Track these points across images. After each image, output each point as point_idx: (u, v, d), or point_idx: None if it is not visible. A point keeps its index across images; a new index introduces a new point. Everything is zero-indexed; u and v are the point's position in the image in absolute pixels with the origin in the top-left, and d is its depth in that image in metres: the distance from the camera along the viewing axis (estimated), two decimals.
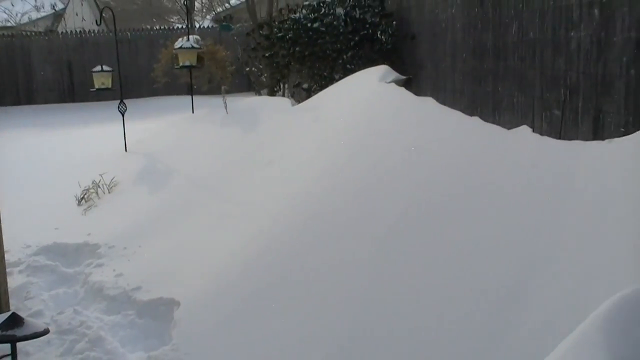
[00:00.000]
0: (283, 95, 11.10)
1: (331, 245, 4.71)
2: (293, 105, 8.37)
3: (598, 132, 4.20)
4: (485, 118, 5.52)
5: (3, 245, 5.22)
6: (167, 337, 4.43)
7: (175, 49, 10.59)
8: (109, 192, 7.66)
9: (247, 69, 13.66)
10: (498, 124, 5.30)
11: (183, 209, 6.58)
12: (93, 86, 9.90)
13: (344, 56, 8.80)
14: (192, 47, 10.29)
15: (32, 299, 5.32)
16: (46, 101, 17.85)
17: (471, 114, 5.68)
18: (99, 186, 7.71)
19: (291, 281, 4.53)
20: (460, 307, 3.57)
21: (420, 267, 4.02)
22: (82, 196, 7.60)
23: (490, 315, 3.40)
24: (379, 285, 4.09)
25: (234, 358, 3.99)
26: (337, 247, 4.65)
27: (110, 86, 9.86)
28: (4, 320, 4.09)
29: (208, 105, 10.27)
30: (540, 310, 3.21)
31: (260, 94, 12.99)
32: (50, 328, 4.38)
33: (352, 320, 3.94)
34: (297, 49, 9.10)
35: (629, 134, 3.77)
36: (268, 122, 7.80)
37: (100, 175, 7.79)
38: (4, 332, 4.00)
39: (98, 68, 9.81)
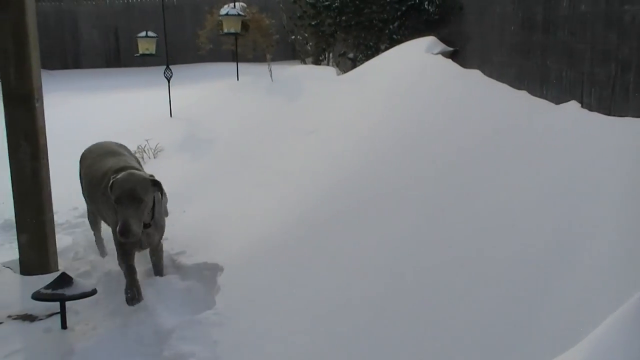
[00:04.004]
0: (328, 64, 11.08)
1: (370, 215, 4.72)
2: (338, 74, 8.36)
3: None
4: (532, 92, 5.46)
5: (52, 207, 5.35)
6: (211, 301, 4.49)
7: (220, 15, 10.61)
8: (154, 157, 7.76)
9: (292, 37, 13.65)
10: (545, 98, 5.24)
11: (225, 176, 6.64)
12: (138, 51, 9.98)
13: (390, 26, 8.75)
14: (238, 15, 10.31)
15: (80, 260, 5.43)
16: (93, 65, 18.04)
17: (518, 88, 5.63)
18: (144, 151, 7.81)
19: (329, 250, 4.55)
20: (502, 277, 3.56)
21: (461, 236, 4.02)
22: None
23: (530, 284, 3.39)
24: (419, 250, 4.09)
25: (272, 324, 4.03)
26: (376, 215, 4.66)
27: (154, 52, 9.94)
28: (54, 280, 4.21)
29: (252, 73, 10.30)
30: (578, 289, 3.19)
31: (305, 63, 12.99)
32: (97, 289, 4.48)
33: (388, 288, 3.94)
34: (343, 18, 9.07)
35: None
36: (312, 91, 7.81)
37: (146, 140, 7.88)
38: (54, 291, 4.11)
39: (143, 34, 9.89)
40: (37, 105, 5.11)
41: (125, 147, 5.86)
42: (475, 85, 5.70)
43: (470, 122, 5.00)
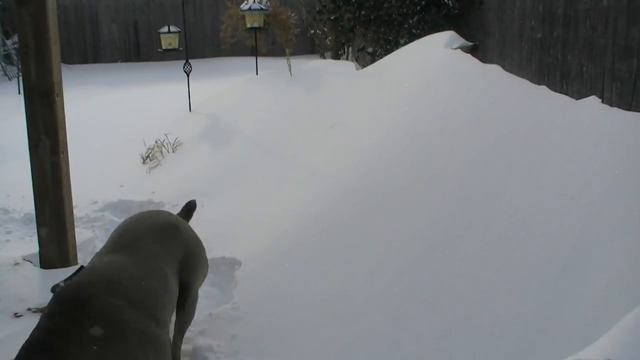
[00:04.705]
0: (347, 58, 11.06)
1: (390, 211, 4.71)
2: (357, 69, 8.35)
3: None
4: (552, 87, 5.42)
5: (72, 200, 5.38)
6: (228, 295, 4.51)
7: (242, 10, 10.62)
8: (172, 152, 7.78)
9: (312, 31, 13.63)
10: (566, 93, 5.20)
11: (244, 170, 6.66)
12: (158, 46, 10.02)
13: (410, 20, 8.71)
14: (261, 9, 10.31)
15: None
16: (112, 60, 18.13)
17: (538, 83, 5.59)
18: (163, 145, 7.84)
19: (350, 246, 4.55)
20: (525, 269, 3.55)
21: (484, 234, 4.00)
22: (146, 155, 7.74)
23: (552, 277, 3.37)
24: (441, 248, 4.08)
25: (290, 319, 4.04)
26: (397, 212, 4.65)
27: (177, 47, 9.98)
28: (74, 273, 4.22)
29: (271, 67, 10.30)
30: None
31: (324, 57, 12.98)
32: None
33: (408, 287, 3.94)
34: (362, 12, 9.04)
35: None
36: (332, 86, 7.80)
37: (165, 134, 7.91)
38: None
39: (165, 29, 9.92)
40: (57, 99, 5.13)
41: (175, 226, 3.68)
42: (495, 80, 5.66)
43: (492, 117, 4.97)
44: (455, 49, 6.83)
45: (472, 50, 7.32)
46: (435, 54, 6.77)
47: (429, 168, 4.93)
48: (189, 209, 4.21)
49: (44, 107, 5.10)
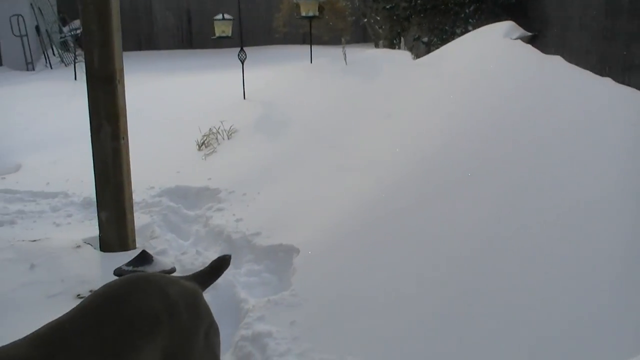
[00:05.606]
0: (400, 48, 11.00)
1: (447, 199, 4.69)
2: (413, 59, 8.30)
3: None
4: (614, 79, 5.33)
5: (132, 186, 5.46)
6: (286, 282, 4.53)
7: None
8: (228, 139, 7.83)
9: (365, 20, 13.59)
10: (629, 85, 5.11)
11: (299, 158, 6.67)
12: (211, 34, 10.07)
13: (466, 10, 8.64)
14: None
15: (157, 239, 5.53)
16: (166, 47, 18.29)
17: (600, 75, 5.50)
18: (218, 132, 7.89)
19: (406, 233, 4.54)
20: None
21: (539, 226, 3.97)
22: (202, 141, 7.80)
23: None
24: (497, 239, 4.06)
25: (349, 307, 4.04)
26: (454, 201, 4.63)
27: (230, 34, 10.02)
28: (135, 257, 4.30)
29: (325, 56, 10.30)
30: None
31: (378, 46, 12.91)
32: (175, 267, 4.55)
33: (465, 277, 3.92)
34: (418, 1, 8.99)
35: None
36: (387, 75, 7.76)
37: (221, 122, 7.96)
38: (135, 268, 4.21)
39: (219, 16, 9.96)
40: (118, 86, 5.20)
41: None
42: (557, 71, 5.58)
43: (554, 110, 4.91)
44: (515, 39, 6.75)
45: (531, 41, 7.22)
46: (495, 45, 6.70)
47: (486, 159, 4.89)
48: (220, 266, 3.10)
49: (105, 93, 5.18)
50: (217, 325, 2.83)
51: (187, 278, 2.88)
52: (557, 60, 5.88)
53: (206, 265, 4.28)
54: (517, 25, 7.19)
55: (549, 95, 5.13)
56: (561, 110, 4.85)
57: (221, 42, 10.92)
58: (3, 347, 2.25)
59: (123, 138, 5.28)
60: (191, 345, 2.66)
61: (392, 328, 3.73)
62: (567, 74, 5.48)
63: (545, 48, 7.15)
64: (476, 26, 8.10)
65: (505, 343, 3.36)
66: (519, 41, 6.69)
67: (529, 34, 7.27)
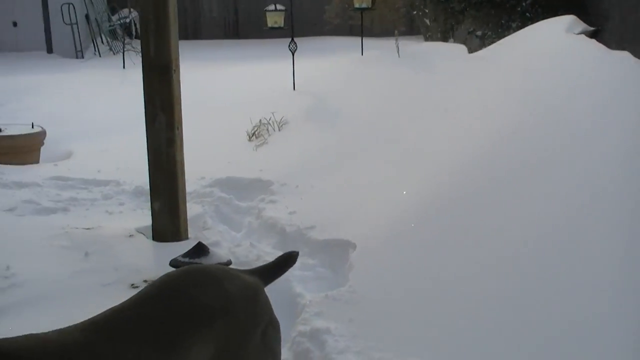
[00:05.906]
0: (453, 41, 10.85)
1: (506, 196, 4.57)
2: (469, 53, 8.16)
3: None
4: None
5: (184, 175, 5.42)
6: (343, 278, 4.45)
7: None
8: (278, 130, 7.78)
9: (414, 12, 13.43)
10: None
11: (352, 151, 6.59)
12: (258, 24, 10.03)
13: (523, 3, 8.47)
14: None
15: (209, 230, 5.49)
16: (212, 37, 18.31)
17: None
18: (269, 123, 7.84)
19: (467, 230, 4.43)
20: None
21: (603, 228, 3.84)
22: (253, 132, 7.76)
23: None
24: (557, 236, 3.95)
25: (408, 305, 3.95)
26: (515, 198, 4.51)
27: (282, 25, 9.97)
28: (192, 248, 4.25)
29: (376, 48, 10.20)
30: None
31: (431, 39, 12.78)
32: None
33: (529, 276, 3.80)
34: None
35: None
36: (442, 69, 7.64)
37: (272, 113, 7.91)
38: (192, 260, 4.15)
39: (272, 7, 9.92)
40: (174, 76, 5.16)
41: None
42: (626, 68, 5.40)
43: (622, 105, 4.75)
44: (578, 34, 6.57)
45: (593, 36, 7.03)
46: (556, 39, 6.53)
47: (546, 161, 4.74)
48: (286, 262, 2.98)
49: (161, 83, 5.14)
50: (277, 322, 2.74)
51: (249, 272, 2.81)
52: (625, 56, 5.70)
53: (261, 258, 4.22)
54: (579, 20, 7.00)
55: (618, 92, 4.97)
56: (632, 108, 4.69)
57: (267, 33, 10.86)
58: (59, 330, 2.24)
59: (178, 128, 5.25)
60: (245, 342, 2.60)
61: (456, 328, 3.62)
62: (637, 70, 5.30)
63: (605, 43, 6.95)
64: (533, 20, 7.94)
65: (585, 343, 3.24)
66: (583, 36, 6.51)
67: (592, 28, 7.07)
